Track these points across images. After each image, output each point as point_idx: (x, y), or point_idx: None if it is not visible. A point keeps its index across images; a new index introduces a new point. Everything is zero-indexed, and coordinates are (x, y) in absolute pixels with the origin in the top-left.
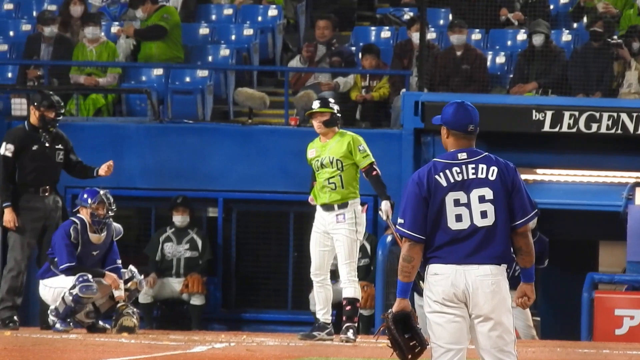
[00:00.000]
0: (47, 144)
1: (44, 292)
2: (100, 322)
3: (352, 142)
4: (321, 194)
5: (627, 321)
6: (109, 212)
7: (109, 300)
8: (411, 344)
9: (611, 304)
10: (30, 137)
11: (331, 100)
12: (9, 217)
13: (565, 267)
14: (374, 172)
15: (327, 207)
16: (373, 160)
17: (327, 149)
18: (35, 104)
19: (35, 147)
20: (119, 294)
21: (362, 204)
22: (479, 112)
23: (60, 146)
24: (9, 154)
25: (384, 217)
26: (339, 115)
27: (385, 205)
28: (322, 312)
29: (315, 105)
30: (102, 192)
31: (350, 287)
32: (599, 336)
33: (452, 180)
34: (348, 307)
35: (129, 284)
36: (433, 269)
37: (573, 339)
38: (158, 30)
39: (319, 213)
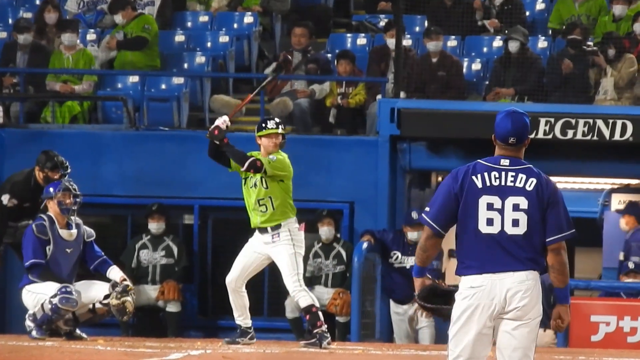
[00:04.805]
0: (41, 202)
1: (26, 297)
2: (78, 331)
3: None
4: (253, 215)
5: (602, 327)
6: (76, 199)
7: (89, 312)
8: (442, 307)
9: (587, 310)
10: (30, 194)
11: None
12: None
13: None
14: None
15: (261, 229)
16: (267, 160)
17: None
18: (40, 165)
19: (27, 204)
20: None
21: (299, 222)
22: (457, 119)
23: None
24: (10, 205)
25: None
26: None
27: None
28: (241, 318)
29: (272, 125)
30: (64, 179)
31: (301, 298)
32: (574, 342)
33: (488, 184)
34: (307, 317)
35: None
36: (468, 281)
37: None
38: (140, 42)
39: (256, 234)
